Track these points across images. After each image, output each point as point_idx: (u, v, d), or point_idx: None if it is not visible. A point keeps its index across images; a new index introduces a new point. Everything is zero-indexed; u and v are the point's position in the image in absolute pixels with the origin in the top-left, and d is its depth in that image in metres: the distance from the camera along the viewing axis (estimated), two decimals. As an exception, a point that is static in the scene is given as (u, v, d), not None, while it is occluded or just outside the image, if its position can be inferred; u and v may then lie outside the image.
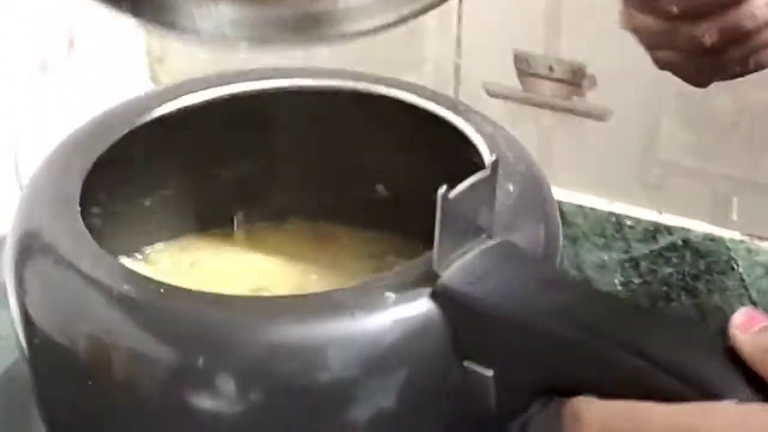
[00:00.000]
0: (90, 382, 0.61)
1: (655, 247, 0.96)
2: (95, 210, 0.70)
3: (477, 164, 0.69)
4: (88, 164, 0.67)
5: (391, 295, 0.59)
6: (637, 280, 0.94)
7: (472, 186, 0.59)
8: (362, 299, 0.59)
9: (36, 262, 0.64)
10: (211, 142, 0.76)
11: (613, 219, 1.00)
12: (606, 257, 0.96)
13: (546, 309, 0.57)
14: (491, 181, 0.60)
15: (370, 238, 0.78)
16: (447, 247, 0.60)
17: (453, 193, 0.58)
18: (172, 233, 0.78)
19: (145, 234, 0.77)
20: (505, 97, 1.05)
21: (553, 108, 1.04)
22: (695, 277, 0.93)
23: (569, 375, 0.57)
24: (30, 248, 0.64)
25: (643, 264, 0.95)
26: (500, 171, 0.63)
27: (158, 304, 0.60)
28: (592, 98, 1.03)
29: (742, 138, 0.99)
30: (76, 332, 0.61)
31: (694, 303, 0.91)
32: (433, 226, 0.74)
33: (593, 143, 1.04)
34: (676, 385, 0.53)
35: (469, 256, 0.60)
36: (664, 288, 0.93)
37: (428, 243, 0.75)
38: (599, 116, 1.03)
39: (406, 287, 0.60)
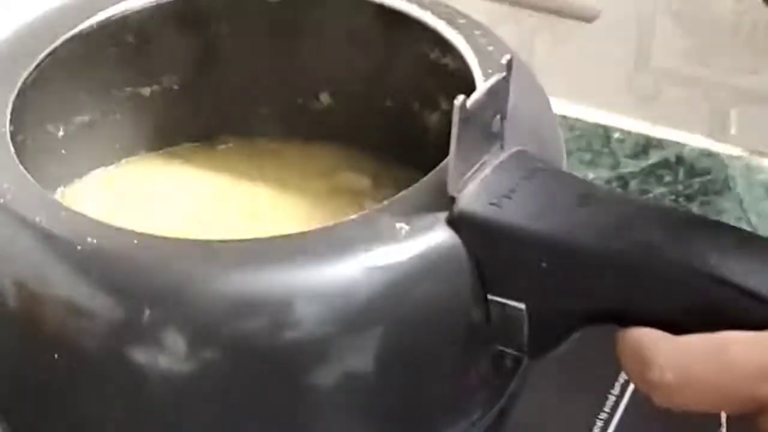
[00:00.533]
0: (19, 334, 0.52)
1: (645, 163, 0.88)
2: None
3: (447, 66, 0.61)
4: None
5: (402, 226, 0.50)
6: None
7: (489, 91, 0.51)
8: (369, 232, 0.50)
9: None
10: (127, 57, 0.66)
11: (601, 131, 0.90)
12: (592, 174, 0.87)
13: (589, 227, 0.50)
14: (506, 84, 0.52)
15: (316, 153, 0.69)
16: (462, 164, 0.51)
17: (471, 102, 0.50)
18: (89, 166, 0.67)
19: (60, 168, 0.66)
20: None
21: (535, 7, 0.94)
22: (689, 198, 0.86)
23: (621, 304, 0.49)
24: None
25: (633, 183, 0.86)
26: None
27: (93, 247, 0.50)
28: (578, -3, 0.93)
29: (743, 43, 0.91)
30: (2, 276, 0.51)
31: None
32: (380, 135, 0.67)
33: (579, 47, 0.94)
34: (763, 309, 0.45)
35: (486, 172, 0.52)
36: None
37: (381, 154, 0.68)
38: (586, 17, 0.93)
39: (418, 215, 0.51)
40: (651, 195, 0.86)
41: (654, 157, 0.89)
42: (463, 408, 0.54)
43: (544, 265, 0.50)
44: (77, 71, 0.64)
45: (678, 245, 0.48)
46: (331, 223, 0.51)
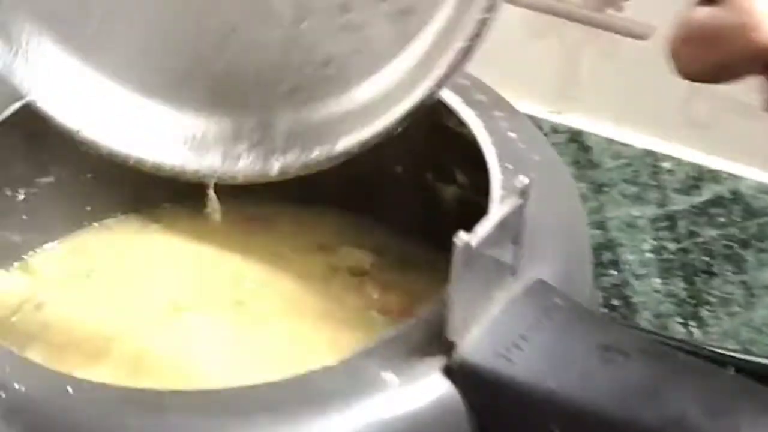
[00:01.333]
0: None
1: (697, 200, 0.78)
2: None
3: (465, 136, 0.52)
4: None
5: (389, 377, 0.42)
6: (672, 246, 0.76)
7: (501, 224, 0.42)
8: (350, 384, 0.42)
9: None
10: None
11: (650, 160, 0.80)
12: (637, 213, 0.78)
13: (612, 390, 0.41)
14: (520, 211, 0.43)
15: (312, 222, 0.60)
16: (464, 306, 0.42)
17: (477, 240, 0.41)
18: (56, 232, 0.59)
19: (22, 235, 0.58)
20: (525, 5, 0.84)
21: (582, 20, 0.83)
22: (744, 244, 0.75)
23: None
24: None
25: (682, 224, 0.77)
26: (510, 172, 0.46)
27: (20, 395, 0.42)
28: (631, 11, 0.82)
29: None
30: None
31: (740, 280, 0.74)
32: (386, 205, 0.59)
33: (629, 66, 0.83)
34: None
35: (494, 312, 0.43)
36: (705, 258, 0.75)
37: (386, 226, 0.59)
38: (640, 34, 0.82)
39: (409, 363, 0.43)
40: (700, 239, 0.77)
41: (707, 193, 0.79)
42: None
43: (555, 430, 0.42)
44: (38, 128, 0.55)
45: (717, 423, 0.40)
46: (304, 372, 0.43)
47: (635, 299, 0.74)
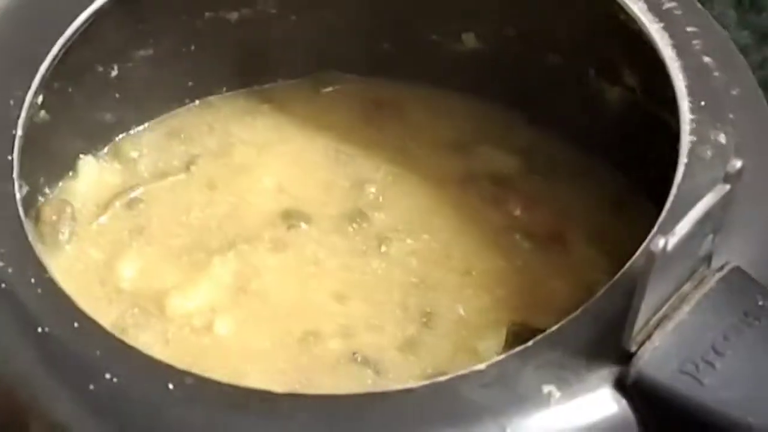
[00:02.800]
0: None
1: None
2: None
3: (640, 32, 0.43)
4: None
5: (552, 390, 0.35)
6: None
7: (701, 219, 0.33)
8: (504, 397, 0.35)
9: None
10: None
11: None
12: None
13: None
14: (728, 199, 0.34)
15: (448, 112, 0.51)
16: (648, 310, 0.35)
17: (674, 242, 0.33)
18: (154, 110, 0.51)
19: (113, 114, 0.50)
20: None
21: None
22: None
23: None
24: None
25: None
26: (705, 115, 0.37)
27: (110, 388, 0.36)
28: None
29: None
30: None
31: None
32: (537, 98, 0.51)
33: None
34: None
35: (682, 314, 0.35)
36: None
37: (533, 123, 0.51)
38: None
39: (575, 372, 0.35)
40: None
41: None
42: None
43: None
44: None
45: None
46: (445, 377, 0.36)
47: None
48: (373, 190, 0.50)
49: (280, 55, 0.52)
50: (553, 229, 0.48)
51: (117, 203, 0.49)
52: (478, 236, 0.48)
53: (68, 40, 0.44)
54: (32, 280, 0.38)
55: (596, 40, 0.47)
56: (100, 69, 0.49)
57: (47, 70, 0.44)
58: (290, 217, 0.49)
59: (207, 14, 0.50)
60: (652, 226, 0.40)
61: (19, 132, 0.42)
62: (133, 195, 0.50)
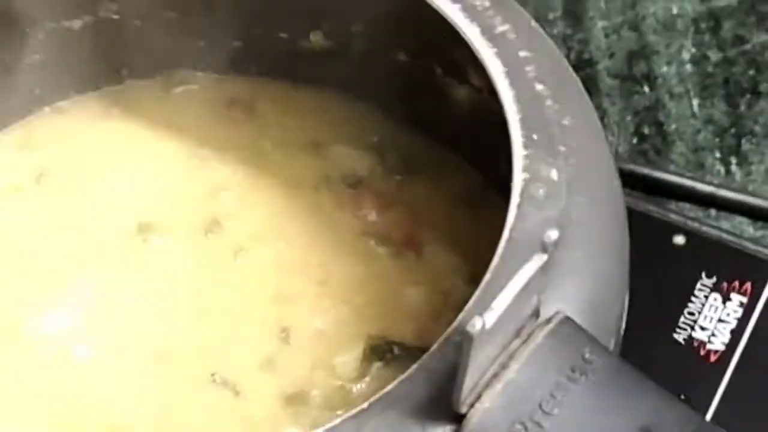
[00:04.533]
0: None
1: None
2: None
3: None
4: None
5: (385, 457, 0.36)
6: (714, 55, 0.67)
7: (520, 293, 0.34)
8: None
9: None
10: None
11: None
12: (676, 9, 0.67)
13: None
14: (545, 268, 0.35)
15: (306, 108, 0.51)
16: (475, 372, 0.35)
17: (492, 319, 0.33)
18: (2, 120, 0.50)
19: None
20: None
21: None
22: None
23: None
24: None
25: (727, 25, 0.67)
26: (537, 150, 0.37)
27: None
28: None
29: None
30: None
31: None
32: (385, 91, 0.50)
33: None
34: None
35: (511, 372, 0.36)
36: (752, 72, 0.66)
37: (384, 115, 0.51)
38: None
39: (408, 435, 0.36)
40: (749, 46, 0.67)
41: (759, -19, 0.69)
42: None
43: None
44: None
45: None
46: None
47: (669, 126, 0.66)
48: (228, 197, 0.50)
49: (127, 58, 0.51)
50: (408, 232, 0.49)
51: (-34, 223, 0.49)
52: (334, 242, 0.48)
53: None
54: None
55: (438, 46, 0.47)
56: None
57: None
58: (145, 231, 0.49)
59: (48, 24, 0.49)
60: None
61: None
62: (-19, 213, 0.49)
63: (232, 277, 0.48)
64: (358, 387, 0.45)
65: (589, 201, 0.39)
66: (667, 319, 0.52)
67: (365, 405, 0.37)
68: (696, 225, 0.56)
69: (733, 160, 0.65)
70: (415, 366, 0.37)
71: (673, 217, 0.56)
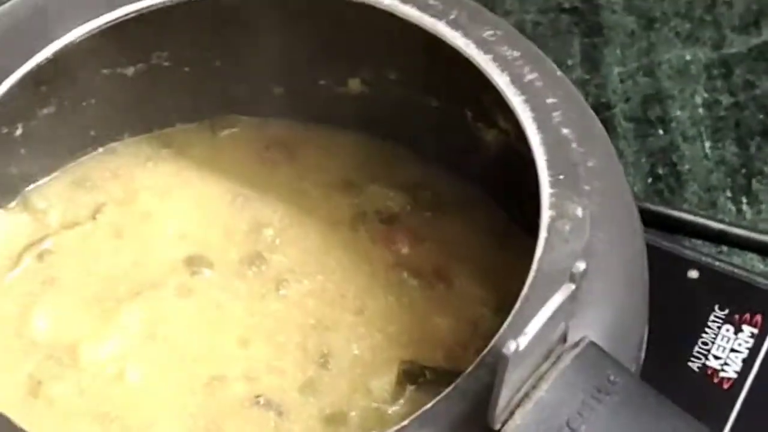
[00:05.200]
0: None
1: (757, 40, 0.71)
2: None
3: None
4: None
5: (425, 470, 0.39)
6: (725, 100, 0.70)
7: (550, 319, 0.37)
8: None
9: None
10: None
11: None
12: (689, 56, 0.71)
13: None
14: (573, 296, 0.38)
15: (341, 150, 0.55)
16: (509, 392, 0.38)
17: (525, 342, 0.37)
18: (59, 160, 0.54)
19: (20, 168, 0.53)
20: None
21: None
22: None
23: None
24: None
25: (737, 70, 0.70)
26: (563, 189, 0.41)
27: None
28: None
29: None
30: None
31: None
32: (420, 136, 0.54)
33: None
34: None
35: (541, 392, 0.39)
36: (761, 116, 0.69)
37: (418, 158, 0.54)
38: None
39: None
40: (758, 90, 0.71)
41: (767, 33, 0.73)
42: None
43: None
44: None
45: None
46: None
47: (683, 167, 0.69)
48: (270, 233, 0.53)
49: (177, 102, 0.55)
50: (438, 265, 0.52)
51: (27, 256, 0.52)
52: (369, 275, 0.52)
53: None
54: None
55: (469, 93, 0.50)
56: (5, 130, 0.51)
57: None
58: (193, 264, 0.52)
59: (104, 71, 0.53)
60: (531, 260, 0.43)
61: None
62: (43, 247, 0.52)
63: (275, 306, 0.51)
64: (393, 409, 0.48)
65: (611, 236, 0.43)
66: (683, 349, 0.55)
67: (405, 422, 0.40)
68: (709, 260, 0.59)
69: (744, 199, 0.68)
70: (451, 386, 0.41)
71: (688, 252, 0.59)
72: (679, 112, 0.71)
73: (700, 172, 0.69)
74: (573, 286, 0.38)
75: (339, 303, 0.51)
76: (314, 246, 0.53)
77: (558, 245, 0.42)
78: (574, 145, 0.44)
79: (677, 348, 0.55)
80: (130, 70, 0.53)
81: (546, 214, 0.43)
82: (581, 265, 0.38)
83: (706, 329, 0.56)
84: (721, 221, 0.65)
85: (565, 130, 0.45)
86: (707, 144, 0.70)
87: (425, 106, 0.53)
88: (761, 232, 0.65)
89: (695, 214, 0.65)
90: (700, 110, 0.71)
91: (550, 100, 0.45)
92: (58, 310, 0.51)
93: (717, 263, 0.59)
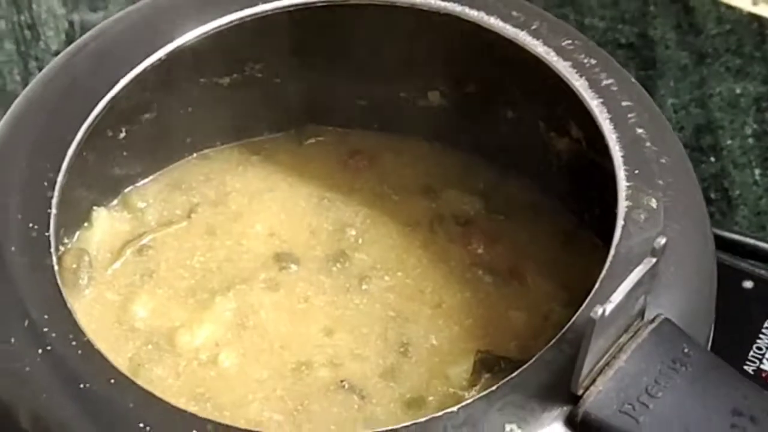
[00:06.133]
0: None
1: None
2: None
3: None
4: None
5: (513, 429, 0.42)
6: (774, 131, 0.73)
7: (633, 288, 0.41)
8: (472, 434, 0.42)
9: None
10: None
11: (756, 26, 0.76)
12: (739, 89, 0.74)
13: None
14: (654, 269, 0.41)
15: (419, 159, 0.58)
16: (593, 360, 0.42)
17: (611, 308, 0.40)
18: (158, 164, 0.58)
19: (122, 169, 0.57)
20: None
21: None
22: None
23: None
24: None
25: None
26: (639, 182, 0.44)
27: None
28: None
29: None
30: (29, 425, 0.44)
31: None
32: (495, 145, 0.57)
33: None
34: None
35: (621, 361, 0.43)
36: (810, 145, 0.72)
37: (492, 166, 0.57)
38: None
39: (532, 412, 0.42)
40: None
41: (814, 66, 0.77)
42: None
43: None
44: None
45: None
46: (424, 418, 0.43)
47: (733, 192, 0.73)
48: (353, 233, 0.56)
49: (266, 112, 0.59)
50: (511, 264, 0.55)
51: (128, 251, 0.56)
52: (446, 272, 0.55)
53: (93, 119, 0.51)
54: (73, 343, 0.44)
55: (544, 102, 0.54)
56: (110, 133, 0.55)
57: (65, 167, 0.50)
58: (281, 260, 0.56)
59: (202, 80, 0.57)
60: (598, 260, 0.47)
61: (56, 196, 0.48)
62: (142, 242, 0.56)
63: (358, 300, 0.55)
64: (471, 394, 0.51)
65: (684, 227, 0.46)
66: (739, 353, 0.58)
67: (494, 387, 0.43)
68: (763, 272, 0.62)
69: (794, 223, 0.72)
70: (534, 357, 0.44)
71: (743, 265, 0.62)
72: (729, 141, 0.74)
73: (750, 198, 0.73)
74: (654, 260, 0.41)
75: (418, 297, 0.54)
76: (394, 245, 0.56)
77: (635, 232, 0.46)
78: (648, 143, 0.48)
79: (734, 352, 0.58)
80: (225, 80, 0.57)
81: (623, 205, 0.46)
82: (662, 240, 0.41)
83: (761, 335, 0.59)
84: (771, 242, 0.68)
85: (639, 130, 0.48)
86: (757, 171, 0.73)
87: (500, 118, 0.57)
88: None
89: (746, 235, 0.68)
90: (750, 140, 0.74)
91: (625, 103, 0.49)
92: (156, 300, 0.54)
93: (769, 276, 0.62)
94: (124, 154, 0.56)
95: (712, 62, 0.77)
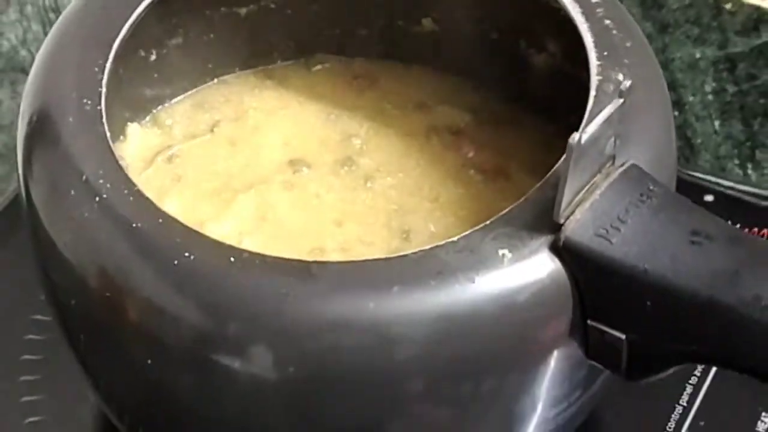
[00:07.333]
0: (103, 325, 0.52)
1: (756, 41, 0.81)
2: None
3: (558, 11, 0.57)
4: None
5: (505, 253, 0.49)
6: (731, 88, 0.81)
7: (605, 122, 0.48)
8: (471, 259, 0.49)
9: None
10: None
11: (711, 1, 0.84)
12: (698, 54, 0.82)
13: (698, 272, 0.48)
14: (621, 109, 0.49)
15: (414, 82, 0.66)
16: (571, 193, 0.49)
17: (585, 137, 0.47)
18: (183, 87, 0.65)
19: (153, 90, 0.64)
20: None
21: None
22: None
23: (724, 351, 0.48)
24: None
25: (741, 66, 0.80)
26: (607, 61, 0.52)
27: (189, 263, 0.49)
28: None
29: None
30: (89, 263, 0.51)
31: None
32: (483, 67, 0.65)
33: None
34: None
35: (596, 195, 0.50)
36: (762, 101, 0.80)
37: (481, 87, 0.65)
38: None
39: (521, 240, 0.49)
40: (758, 82, 0.82)
41: (766, 35, 0.84)
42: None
43: (648, 304, 0.48)
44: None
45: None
46: (429, 246, 0.50)
47: (696, 141, 0.80)
48: (358, 141, 0.64)
49: (279, 42, 0.66)
50: (498, 165, 0.63)
51: (159, 159, 0.63)
52: (441, 172, 0.62)
53: (124, 35, 0.58)
54: (125, 191, 0.51)
55: (526, 19, 0.62)
56: (143, 54, 0.62)
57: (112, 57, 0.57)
58: (295, 164, 0.63)
59: (223, 9, 0.64)
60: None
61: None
62: (170, 152, 0.63)
63: (364, 196, 0.61)
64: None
65: (647, 94, 0.54)
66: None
67: (488, 221, 0.51)
68: (721, 189, 0.70)
69: (749, 165, 0.79)
70: (523, 198, 0.51)
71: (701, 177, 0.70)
72: (691, 98, 0.82)
73: (711, 145, 0.80)
74: (622, 100, 0.49)
75: (417, 193, 0.61)
76: (395, 151, 0.63)
77: (604, 100, 0.53)
78: (614, 31, 0.56)
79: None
80: (243, 10, 0.65)
81: (594, 79, 0.54)
82: (627, 83, 0.48)
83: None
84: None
85: (607, 21, 0.56)
86: (716, 123, 0.81)
87: (486, 40, 0.64)
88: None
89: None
90: (710, 96, 0.82)
91: (594, 1, 0.57)
92: (185, 199, 0.61)
93: (729, 191, 0.70)
94: (155, 75, 0.64)
95: (673, 31, 0.84)
